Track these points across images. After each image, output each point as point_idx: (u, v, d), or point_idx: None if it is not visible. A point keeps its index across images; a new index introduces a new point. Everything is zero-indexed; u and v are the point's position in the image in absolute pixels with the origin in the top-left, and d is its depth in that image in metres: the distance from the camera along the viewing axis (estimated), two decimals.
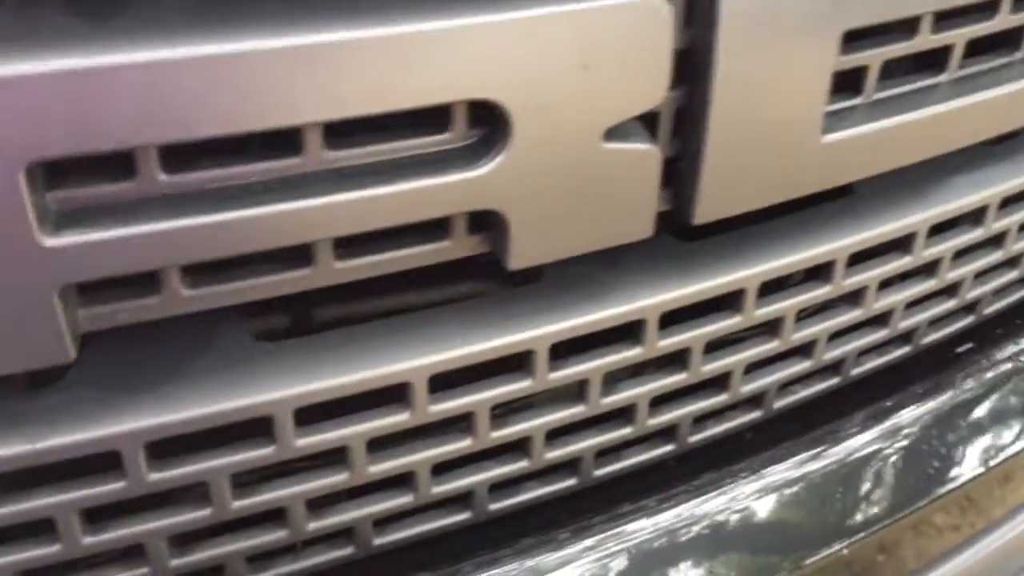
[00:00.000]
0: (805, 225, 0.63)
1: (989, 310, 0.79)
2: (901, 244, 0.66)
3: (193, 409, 0.48)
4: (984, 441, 0.77)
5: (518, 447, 0.59)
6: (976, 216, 0.69)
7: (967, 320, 0.78)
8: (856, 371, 0.72)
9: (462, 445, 0.56)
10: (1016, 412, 0.80)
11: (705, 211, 0.54)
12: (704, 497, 0.66)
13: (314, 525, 0.54)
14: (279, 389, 0.49)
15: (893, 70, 0.61)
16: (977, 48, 0.64)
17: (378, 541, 0.58)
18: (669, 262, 0.59)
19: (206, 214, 0.43)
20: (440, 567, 0.59)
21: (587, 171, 0.49)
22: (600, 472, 0.64)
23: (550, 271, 0.58)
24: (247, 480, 0.52)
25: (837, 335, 0.68)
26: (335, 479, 0.53)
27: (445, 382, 0.54)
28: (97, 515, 0.49)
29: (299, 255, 0.47)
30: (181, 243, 0.43)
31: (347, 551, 0.57)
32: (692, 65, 0.50)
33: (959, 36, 0.60)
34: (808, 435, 0.70)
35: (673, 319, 0.60)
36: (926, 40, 0.58)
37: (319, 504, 0.55)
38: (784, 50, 0.51)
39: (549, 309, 0.55)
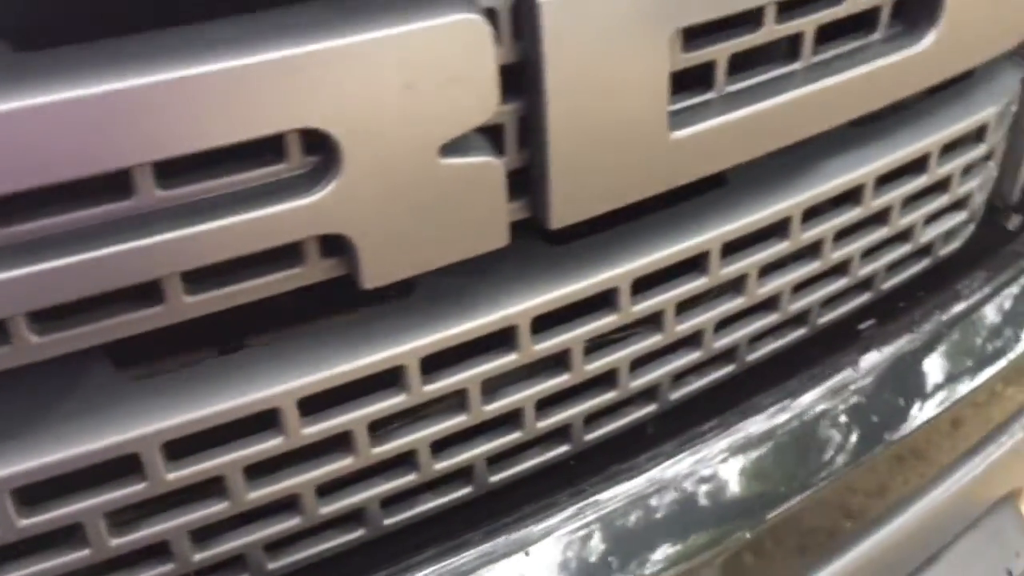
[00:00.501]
0: (678, 219, 0.64)
1: (888, 284, 0.80)
2: (778, 229, 0.67)
3: (58, 452, 0.49)
4: (895, 409, 0.79)
5: (403, 460, 0.60)
6: (854, 196, 0.71)
7: (864, 297, 0.79)
8: (752, 356, 0.73)
9: (345, 463, 0.57)
10: (936, 373, 0.82)
11: (560, 215, 0.56)
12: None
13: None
14: (147, 424, 0.50)
15: (756, 60, 0.63)
16: (836, 32, 0.65)
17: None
18: (541, 267, 0.61)
19: (45, 260, 0.44)
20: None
21: (428, 187, 0.50)
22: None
23: (422, 284, 0.59)
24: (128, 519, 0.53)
25: (726, 323, 0.69)
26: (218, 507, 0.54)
27: (319, 404, 0.55)
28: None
29: (149, 293, 0.48)
30: (21, 291, 0.44)
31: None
32: (527, 76, 0.51)
33: (808, 23, 0.61)
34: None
35: (553, 322, 0.61)
36: (771, 31, 0.59)
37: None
38: (614, 54, 0.52)
39: (419, 323, 0.57)
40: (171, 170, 0.45)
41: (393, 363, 0.55)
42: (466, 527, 0.64)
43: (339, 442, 0.56)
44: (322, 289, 0.56)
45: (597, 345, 0.63)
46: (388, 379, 0.56)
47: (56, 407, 0.51)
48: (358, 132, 0.47)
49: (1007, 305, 0.89)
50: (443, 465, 0.61)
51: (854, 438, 0.77)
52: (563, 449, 0.66)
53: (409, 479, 0.60)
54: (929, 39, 0.67)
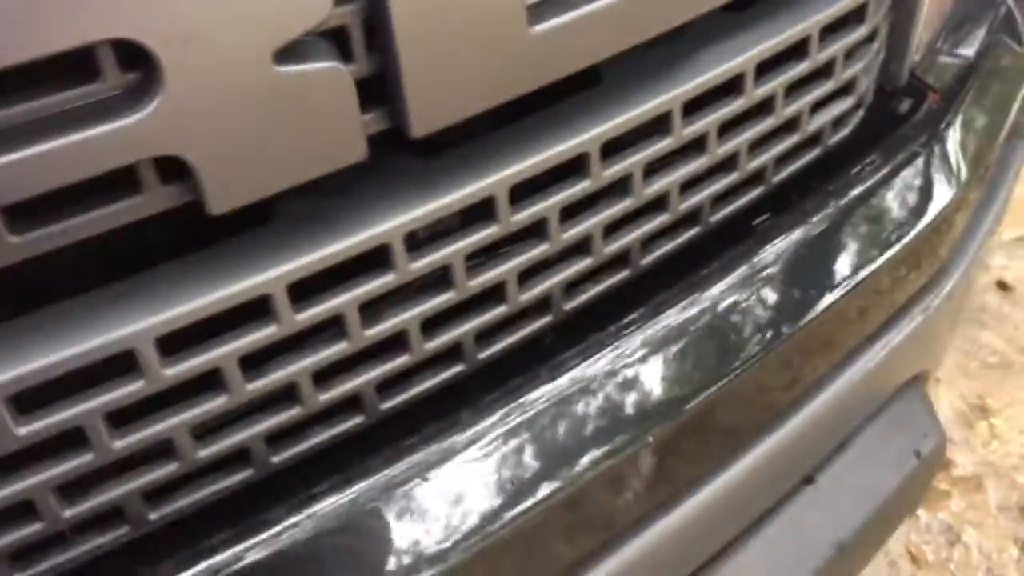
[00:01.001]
0: (553, 121, 0.62)
1: (779, 177, 0.80)
2: (659, 125, 0.66)
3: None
4: (803, 292, 0.79)
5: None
6: (735, 85, 0.69)
7: (756, 191, 0.78)
8: (645, 261, 0.72)
9: (219, 403, 0.54)
10: (832, 261, 0.82)
11: (421, 123, 0.53)
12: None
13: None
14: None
15: None
16: None
17: None
18: (411, 181, 0.58)
19: None
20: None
21: (266, 99, 0.47)
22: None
23: (281, 211, 0.55)
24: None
25: (615, 227, 0.68)
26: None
27: (182, 342, 0.52)
28: None
29: None
30: None
31: None
32: None
33: None
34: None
35: (429, 238, 0.59)
36: None
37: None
38: None
39: (284, 247, 0.54)
40: None
41: (258, 292, 0.52)
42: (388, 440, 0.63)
43: (208, 379, 0.54)
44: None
45: (476, 258, 0.61)
46: (257, 309, 0.53)
47: None
48: (176, 41, 0.43)
49: (902, 190, 0.89)
50: (327, 396, 0.58)
51: (761, 330, 0.76)
52: (455, 369, 0.64)
53: (292, 413, 0.58)
54: None
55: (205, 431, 0.56)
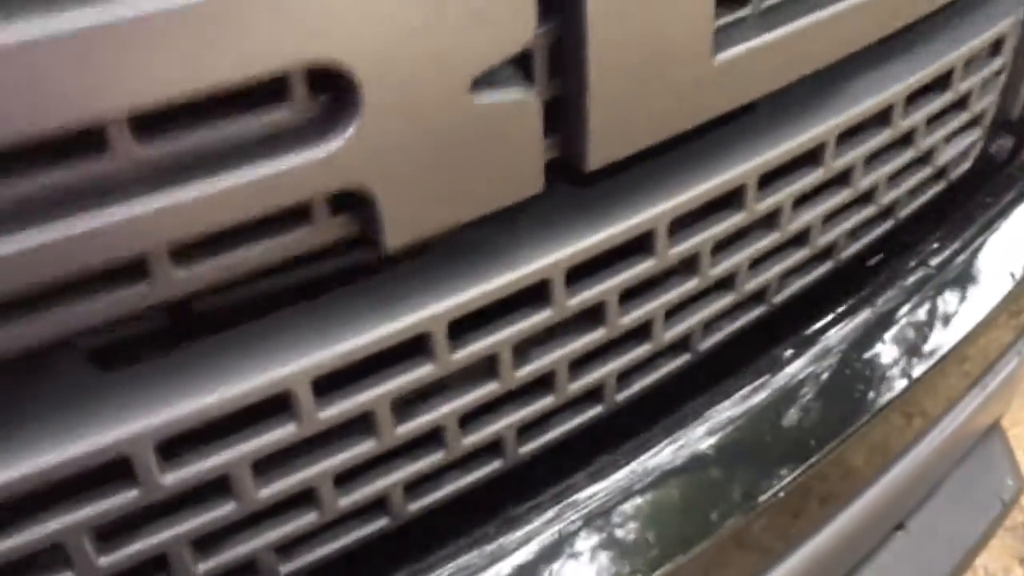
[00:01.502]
0: (708, 152, 0.58)
1: (905, 212, 0.76)
2: (811, 157, 0.62)
3: (38, 459, 0.41)
4: (912, 344, 0.75)
5: (428, 439, 0.53)
6: (883, 117, 0.65)
7: (886, 225, 0.75)
8: (779, 297, 0.68)
9: (366, 447, 0.50)
10: (935, 314, 0.79)
11: (599, 154, 0.49)
12: (653, 450, 0.63)
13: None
14: (136, 421, 0.43)
15: None
16: None
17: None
18: (570, 213, 0.54)
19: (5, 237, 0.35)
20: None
21: (457, 129, 0.43)
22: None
23: (437, 243, 0.51)
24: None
25: (758, 262, 0.64)
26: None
27: (334, 383, 0.48)
28: None
29: (132, 270, 0.40)
30: None
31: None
32: None
33: None
34: (742, 371, 0.67)
35: (584, 273, 0.55)
36: None
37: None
38: None
39: (441, 284, 0.50)
40: (150, 123, 0.37)
41: (418, 330, 0.48)
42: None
43: (360, 424, 0.49)
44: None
45: (628, 295, 0.57)
46: (412, 348, 0.49)
47: (34, 409, 0.42)
48: (380, 66, 0.39)
49: (1011, 230, 0.86)
50: (471, 440, 0.55)
51: (877, 376, 0.73)
52: (595, 411, 0.61)
53: (436, 458, 0.54)
54: None
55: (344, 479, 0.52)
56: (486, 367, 0.53)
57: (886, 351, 0.73)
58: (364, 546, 0.55)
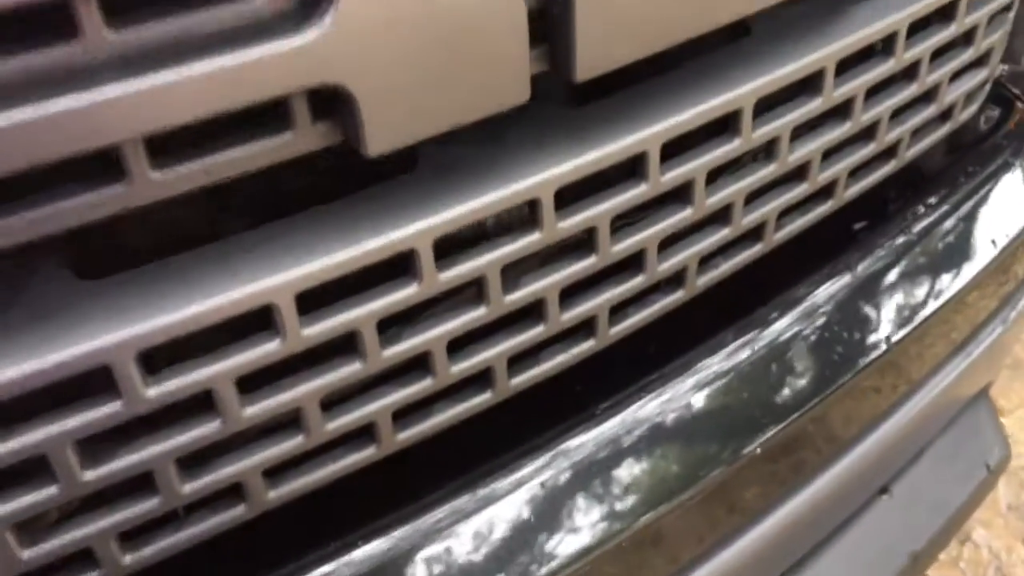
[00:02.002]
0: (703, 75, 0.57)
1: (910, 152, 0.75)
2: (810, 85, 0.61)
3: (17, 367, 0.40)
4: (896, 307, 0.75)
5: (414, 365, 0.52)
6: (885, 46, 0.64)
7: (888, 167, 0.73)
8: (778, 235, 0.67)
9: (351, 369, 0.49)
10: (922, 277, 0.78)
11: (587, 65, 0.48)
12: (641, 402, 0.62)
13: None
14: (115, 331, 0.42)
15: None
16: None
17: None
18: (561, 134, 0.53)
19: None
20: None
21: (440, 27, 0.42)
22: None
23: (426, 156, 0.50)
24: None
25: (755, 196, 0.63)
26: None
27: (318, 300, 0.47)
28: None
29: (108, 168, 0.39)
30: None
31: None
32: None
33: None
34: (729, 328, 0.66)
35: (576, 197, 0.54)
36: None
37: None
38: None
39: (428, 200, 0.48)
40: (123, 9, 0.36)
41: (403, 247, 0.47)
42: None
43: (345, 345, 0.48)
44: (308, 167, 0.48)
45: (622, 223, 0.56)
46: (397, 267, 0.48)
47: (16, 316, 0.42)
48: None
49: (996, 199, 0.84)
50: (460, 368, 0.53)
51: (859, 337, 0.72)
52: (588, 344, 0.59)
53: (424, 385, 0.52)
54: None
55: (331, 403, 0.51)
56: (475, 292, 0.52)
57: (870, 314, 0.73)
58: (357, 487, 0.54)
